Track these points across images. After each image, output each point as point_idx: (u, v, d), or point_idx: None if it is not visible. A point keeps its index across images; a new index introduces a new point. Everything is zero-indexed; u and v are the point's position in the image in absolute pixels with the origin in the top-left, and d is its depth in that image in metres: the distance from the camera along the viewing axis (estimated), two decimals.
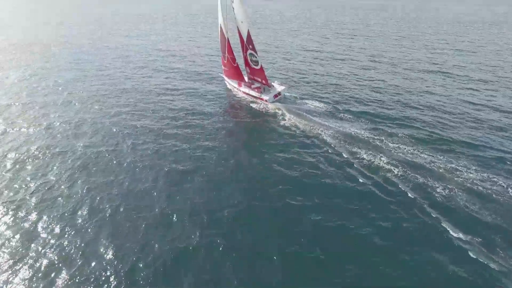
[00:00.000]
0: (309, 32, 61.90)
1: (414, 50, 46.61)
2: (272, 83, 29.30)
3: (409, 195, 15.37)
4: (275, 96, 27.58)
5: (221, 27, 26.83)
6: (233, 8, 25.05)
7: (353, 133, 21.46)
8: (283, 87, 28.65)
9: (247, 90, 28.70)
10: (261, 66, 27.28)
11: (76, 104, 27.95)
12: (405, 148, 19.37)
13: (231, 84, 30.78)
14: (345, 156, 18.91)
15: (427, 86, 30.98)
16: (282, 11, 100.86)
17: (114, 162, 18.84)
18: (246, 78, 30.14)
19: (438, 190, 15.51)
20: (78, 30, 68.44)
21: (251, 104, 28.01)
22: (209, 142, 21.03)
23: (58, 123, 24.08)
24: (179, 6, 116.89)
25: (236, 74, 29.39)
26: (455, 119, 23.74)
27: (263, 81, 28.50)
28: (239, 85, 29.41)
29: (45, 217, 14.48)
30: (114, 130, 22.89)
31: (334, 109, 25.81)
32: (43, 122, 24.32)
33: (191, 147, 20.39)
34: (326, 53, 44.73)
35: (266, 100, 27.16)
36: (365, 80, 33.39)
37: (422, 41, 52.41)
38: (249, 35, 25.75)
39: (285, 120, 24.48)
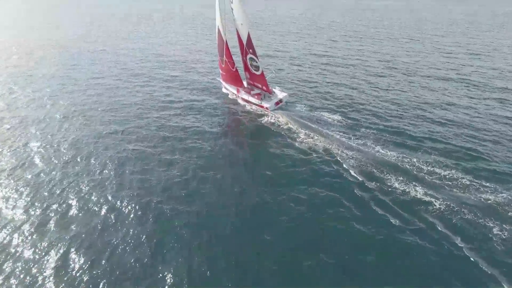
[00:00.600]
0: (314, 34, 59.97)
1: (427, 53, 44.42)
2: (273, 90, 27.47)
3: (462, 244, 12.33)
4: (277, 103, 25.73)
5: (219, 29, 25.15)
6: (232, 9, 23.35)
7: (361, 147, 19.67)
8: (285, 94, 26.81)
9: (246, 97, 26.90)
10: (262, 71, 25.49)
11: (60, 119, 25.57)
12: (443, 173, 16.68)
13: (229, 89, 29.02)
14: (358, 178, 16.71)
15: (449, 97, 28.55)
16: (284, 11, 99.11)
17: (94, 196, 16.00)
18: (245, 83, 28.39)
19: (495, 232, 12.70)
20: (74, 31, 66.86)
21: (250, 112, 26.23)
22: (205, 160, 19.43)
23: (37, 143, 21.72)
24: (179, 5, 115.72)
25: (235, 79, 27.62)
26: (490, 136, 21.20)
27: (264, 88, 26.68)
28: (238, 91, 27.59)
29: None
30: (99, 152, 20.30)
31: (342, 119, 23.91)
32: (20, 141, 21.89)
33: (186, 173, 18.05)
34: (333, 58, 42.51)
35: (267, 108, 25.31)
36: (378, 88, 30.62)
37: (433, 44, 50.26)
38: (249, 38, 24.00)
39: (287, 129, 22.72)
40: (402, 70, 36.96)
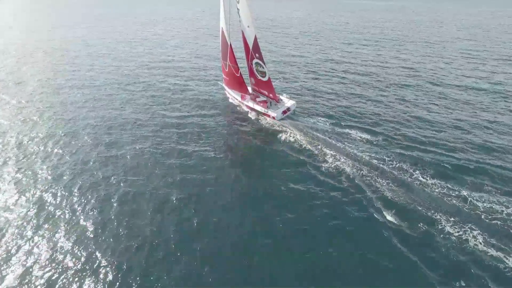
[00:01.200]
0: (326, 36, 57.31)
1: (451, 58, 41.45)
2: (280, 97, 25.74)
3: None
4: (284, 112, 24.02)
5: (222, 31, 23.51)
6: (238, 9, 21.66)
7: (396, 172, 17.53)
8: (292, 102, 25.05)
9: (251, 104, 25.26)
10: (269, 78, 23.76)
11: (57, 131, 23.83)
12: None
13: (232, 95, 27.43)
14: (395, 223, 14.48)
15: (486, 111, 25.45)
16: (293, 11, 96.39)
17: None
18: (249, 89, 26.74)
19: None
20: (74, 32, 64.76)
21: (254, 121, 24.60)
22: (207, 173, 18.57)
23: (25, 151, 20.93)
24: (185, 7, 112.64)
25: (239, 85, 25.99)
26: None
27: (271, 95, 24.97)
28: (242, 98, 25.95)
29: None
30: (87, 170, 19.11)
31: (370, 137, 21.46)
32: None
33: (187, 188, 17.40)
34: (350, 64, 39.62)
35: (273, 117, 23.64)
36: (406, 101, 27.86)
37: (456, 48, 47.15)
38: (256, 42, 22.29)
39: (295, 142, 21.02)
40: (427, 78, 33.87)
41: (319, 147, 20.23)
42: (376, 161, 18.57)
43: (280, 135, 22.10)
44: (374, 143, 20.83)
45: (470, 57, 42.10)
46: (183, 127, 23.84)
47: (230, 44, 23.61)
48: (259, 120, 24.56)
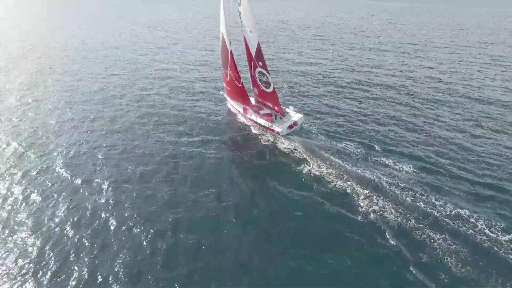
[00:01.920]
0: (341, 40, 54.46)
1: (484, 67, 37.73)
2: (286, 109, 23.46)
3: None
4: (290, 126, 21.71)
5: (223, 36, 21.54)
6: (239, 13, 19.65)
7: (434, 214, 14.91)
8: (300, 116, 22.74)
9: (254, 118, 23.09)
10: (274, 88, 21.53)
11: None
12: None
13: (234, 106, 25.36)
14: (399, 247, 12.74)
15: None
16: (304, 13, 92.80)
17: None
18: (252, 100, 24.56)
19: None
20: (74, 35, 63.43)
21: (257, 136, 22.59)
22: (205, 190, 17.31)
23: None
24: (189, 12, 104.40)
25: (241, 96, 23.91)
26: None
27: (275, 108, 22.70)
28: (245, 111, 23.80)
29: None
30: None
31: (372, 154, 19.50)
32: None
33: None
34: (367, 73, 36.28)
35: (278, 133, 21.34)
36: (436, 120, 24.35)
37: (485, 54, 43.27)
38: (259, 49, 20.17)
39: (302, 162, 18.84)
40: (463, 91, 29.97)
41: (341, 178, 17.24)
42: (424, 204, 15.12)
43: (287, 156, 19.86)
44: (363, 153, 18.84)
45: (504, 64, 38.28)
46: (181, 147, 21.52)
47: (231, 51, 21.61)
48: (262, 135, 22.43)
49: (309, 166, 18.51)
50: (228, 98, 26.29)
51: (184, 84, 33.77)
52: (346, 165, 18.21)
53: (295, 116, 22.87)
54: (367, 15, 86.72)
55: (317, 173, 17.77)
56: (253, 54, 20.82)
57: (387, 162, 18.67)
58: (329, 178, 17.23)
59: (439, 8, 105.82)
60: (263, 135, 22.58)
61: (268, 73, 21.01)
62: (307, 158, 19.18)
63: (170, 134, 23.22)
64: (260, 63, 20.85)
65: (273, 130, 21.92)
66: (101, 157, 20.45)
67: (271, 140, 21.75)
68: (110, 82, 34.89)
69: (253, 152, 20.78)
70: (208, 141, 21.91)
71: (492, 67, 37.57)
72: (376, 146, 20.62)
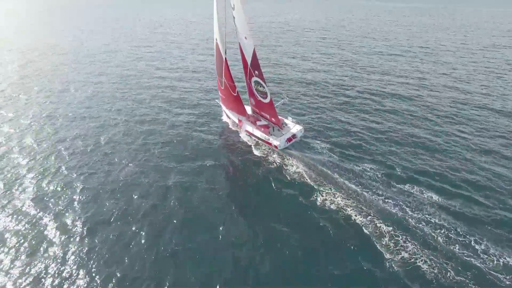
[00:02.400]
0: (348, 44, 52.07)
1: (502, 72, 35.40)
2: (285, 121, 21.86)
3: None
4: (288, 140, 20.07)
5: (217, 43, 20.02)
6: (233, 17, 18.11)
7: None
8: (299, 128, 21.12)
9: (250, 129, 21.52)
10: (271, 99, 19.93)
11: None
12: None
13: (230, 116, 23.83)
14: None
15: None
16: (298, 15, 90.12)
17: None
18: (249, 109, 22.98)
19: None
20: (72, 37, 63.10)
21: (252, 149, 20.95)
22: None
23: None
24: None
25: (236, 106, 22.37)
26: None
27: (273, 120, 21.10)
28: (240, 123, 22.16)
29: None
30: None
31: (392, 179, 17.15)
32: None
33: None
34: (378, 81, 33.66)
35: (275, 146, 19.72)
36: (463, 145, 21.15)
37: (500, 58, 40.98)
38: (255, 57, 18.57)
39: (313, 191, 16.54)
40: (486, 103, 26.78)
41: (360, 210, 14.86)
42: (461, 249, 12.69)
43: (295, 185, 17.33)
44: (443, 207, 15.11)
45: None
46: (169, 177, 18.57)
47: (225, 59, 20.04)
48: (258, 148, 20.85)
49: (322, 195, 15.99)
50: (223, 107, 24.78)
51: (179, 94, 31.06)
52: (365, 193, 15.84)
53: (294, 128, 21.26)
54: (368, 16, 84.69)
55: (332, 206, 15.23)
56: (249, 62, 19.24)
57: (411, 190, 16.08)
58: (347, 211, 14.77)
59: (440, 8, 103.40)
60: (259, 147, 20.96)
61: (265, 83, 19.41)
62: (319, 185, 16.76)
63: (157, 158, 20.22)
64: (257, 72, 19.26)
65: (270, 144, 20.33)
66: (79, 186, 17.79)
67: (277, 163, 19.24)
68: (100, 92, 32.61)
69: (255, 181, 18.00)
70: (202, 168, 19.07)
71: (510, 73, 35.38)
72: (396, 169, 18.03)
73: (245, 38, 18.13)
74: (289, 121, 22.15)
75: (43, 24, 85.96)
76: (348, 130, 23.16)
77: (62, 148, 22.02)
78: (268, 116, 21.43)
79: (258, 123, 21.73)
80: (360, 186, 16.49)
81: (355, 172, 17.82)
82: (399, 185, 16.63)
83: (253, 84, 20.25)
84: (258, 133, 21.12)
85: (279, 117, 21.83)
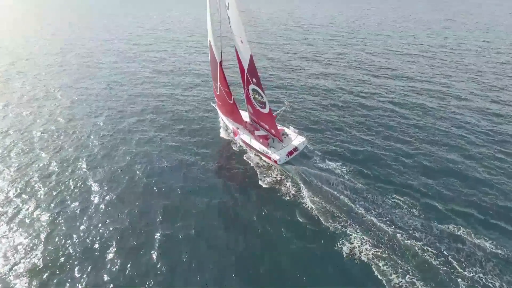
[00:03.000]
0: (353, 42, 49.17)
1: None
2: (285, 130, 20.13)
3: None
4: (290, 153, 18.37)
5: (211, 45, 18.39)
6: (228, 18, 16.38)
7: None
8: (302, 139, 19.44)
9: (248, 140, 19.89)
10: (270, 110, 18.22)
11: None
12: None
13: (226, 123, 22.30)
14: None
15: None
16: (307, 8, 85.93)
17: None
18: (246, 114, 21.33)
19: None
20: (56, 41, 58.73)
21: (249, 161, 19.63)
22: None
23: None
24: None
25: (233, 114, 20.77)
26: None
27: (272, 131, 19.41)
28: (235, 133, 20.57)
29: None
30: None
31: (431, 219, 14.77)
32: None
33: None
34: (393, 89, 31.16)
35: (275, 161, 18.05)
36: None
37: None
38: (252, 63, 16.85)
39: (298, 198, 15.63)
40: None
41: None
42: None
43: (281, 193, 16.36)
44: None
45: None
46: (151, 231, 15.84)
47: (220, 63, 18.43)
48: (256, 160, 19.44)
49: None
50: (220, 113, 23.23)
51: (175, 107, 27.87)
52: (398, 235, 13.46)
53: (296, 139, 19.50)
54: (381, 10, 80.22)
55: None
56: (246, 68, 17.54)
57: (461, 236, 13.42)
58: (368, 255, 12.79)
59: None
60: (257, 160, 19.42)
61: (263, 91, 17.70)
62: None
63: (137, 198, 17.09)
64: (254, 80, 17.55)
65: (269, 158, 18.66)
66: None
67: (263, 168, 18.22)
68: (86, 100, 30.15)
69: (237, 182, 17.17)
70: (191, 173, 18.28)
71: None
72: (436, 207, 15.20)
73: (241, 42, 16.41)
74: (290, 131, 20.38)
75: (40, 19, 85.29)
76: (366, 150, 20.63)
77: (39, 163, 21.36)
78: (267, 127, 19.76)
79: (257, 132, 20.08)
80: (393, 226, 14.06)
81: (384, 206, 15.28)
82: (441, 226, 14.13)
83: (250, 92, 18.58)
84: (256, 144, 19.49)
85: (280, 127, 20.12)
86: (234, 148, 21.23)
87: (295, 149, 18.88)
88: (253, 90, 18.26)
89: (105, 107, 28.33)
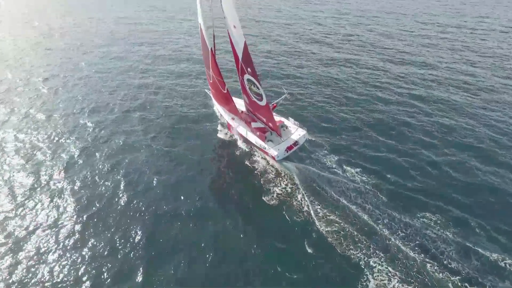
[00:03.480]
0: (357, 23, 45.29)
1: None
2: (284, 123, 18.99)
3: None
4: (289, 148, 17.42)
5: (201, 28, 16.90)
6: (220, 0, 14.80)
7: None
8: (302, 132, 18.14)
9: (244, 132, 18.94)
10: (267, 103, 17.12)
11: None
12: None
13: (221, 111, 21.29)
14: None
15: None
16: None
17: None
18: (242, 102, 20.17)
19: None
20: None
21: (244, 153, 18.38)
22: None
23: None
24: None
25: (227, 104, 19.68)
26: None
27: (270, 125, 18.44)
28: (229, 127, 19.49)
29: None
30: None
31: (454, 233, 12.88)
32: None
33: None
34: (410, 75, 28.39)
35: (273, 157, 17.26)
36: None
37: None
38: (246, 51, 15.37)
39: (309, 217, 13.66)
40: None
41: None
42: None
43: (290, 211, 14.26)
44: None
45: None
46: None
47: (212, 50, 16.91)
48: (251, 155, 18.25)
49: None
50: (214, 100, 22.12)
51: (166, 100, 25.21)
52: (428, 265, 11.42)
53: (296, 132, 18.29)
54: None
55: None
56: (240, 57, 16.12)
57: (508, 268, 11.32)
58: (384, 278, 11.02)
59: None
60: (252, 153, 18.13)
61: (259, 83, 16.49)
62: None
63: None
64: (249, 69, 16.16)
65: (267, 153, 17.83)
66: None
67: (259, 163, 16.88)
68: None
69: (231, 181, 15.28)
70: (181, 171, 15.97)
71: None
72: (474, 226, 13.10)
73: (234, 27, 14.84)
74: (290, 123, 19.19)
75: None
76: (386, 155, 18.05)
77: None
78: (264, 120, 18.76)
79: (253, 124, 19.06)
80: (422, 254, 11.92)
81: (412, 226, 13.01)
82: (482, 253, 11.88)
83: (245, 82, 17.26)
84: (252, 137, 18.45)
85: (278, 118, 19.12)
86: (236, 153, 18.96)
87: (295, 143, 17.78)
88: (248, 80, 16.95)
89: (90, 99, 25.66)
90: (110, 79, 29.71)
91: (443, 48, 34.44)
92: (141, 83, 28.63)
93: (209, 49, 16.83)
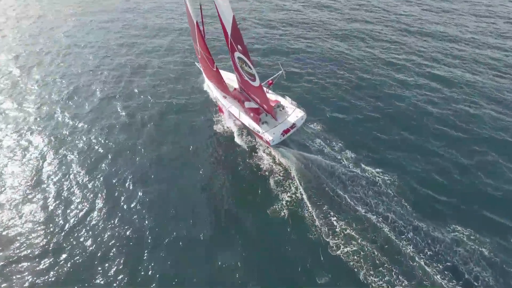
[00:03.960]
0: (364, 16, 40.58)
1: None
2: (281, 103, 17.29)
3: None
4: (286, 131, 16.27)
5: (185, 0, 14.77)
6: None
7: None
8: (301, 114, 16.82)
9: (236, 113, 17.62)
10: (261, 84, 15.51)
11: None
12: None
13: (212, 90, 19.78)
14: None
15: None
16: None
17: None
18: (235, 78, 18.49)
19: None
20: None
21: (233, 135, 17.12)
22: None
23: None
24: None
25: (217, 81, 18.08)
26: None
27: (264, 106, 17.03)
28: (219, 108, 18.06)
29: None
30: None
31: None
32: None
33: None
34: (422, 51, 25.19)
35: (267, 142, 16.21)
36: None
37: None
38: (235, 27, 13.47)
39: (289, 194, 12.97)
40: None
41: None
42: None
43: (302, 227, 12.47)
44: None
45: None
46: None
47: (197, 24, 14.96)
48: (252, 151, 16.59)
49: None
50: (205, 77, 20.44)
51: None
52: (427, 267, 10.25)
53: (293, 114, 16.95)
54: None
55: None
56: (229, 33, 14.24)
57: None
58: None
59: None
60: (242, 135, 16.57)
61: (251, 62, 14.74)
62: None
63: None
64: (239, 47, 14.38)
65: (261, 138, 16.68)
66: None
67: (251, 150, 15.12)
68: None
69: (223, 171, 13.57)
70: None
71: None
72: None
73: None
74: (287, 103, 17.65)
75: None
76: (408, 153, 15.87)
77: None
78: (258, 101, 17.27)
79: (247, 104, 17.62)
80: (454, 280, 10.36)
81: (442, 242, 11.36)
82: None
83: (236, 60, 15.51)
84: (246, 119, 17.21)
85: (274, 97, 17.65)
86: (237, 149, 17.11)
87: (293, 126, 16.58)
88: (239, 58, 15.15)
89: (69, 82, 22.84)
90: (92, 54, 26.58)
91: (466, 14, 30.87)
92: (126, 60, 25.55)
93: (195, 23, 14.86)
